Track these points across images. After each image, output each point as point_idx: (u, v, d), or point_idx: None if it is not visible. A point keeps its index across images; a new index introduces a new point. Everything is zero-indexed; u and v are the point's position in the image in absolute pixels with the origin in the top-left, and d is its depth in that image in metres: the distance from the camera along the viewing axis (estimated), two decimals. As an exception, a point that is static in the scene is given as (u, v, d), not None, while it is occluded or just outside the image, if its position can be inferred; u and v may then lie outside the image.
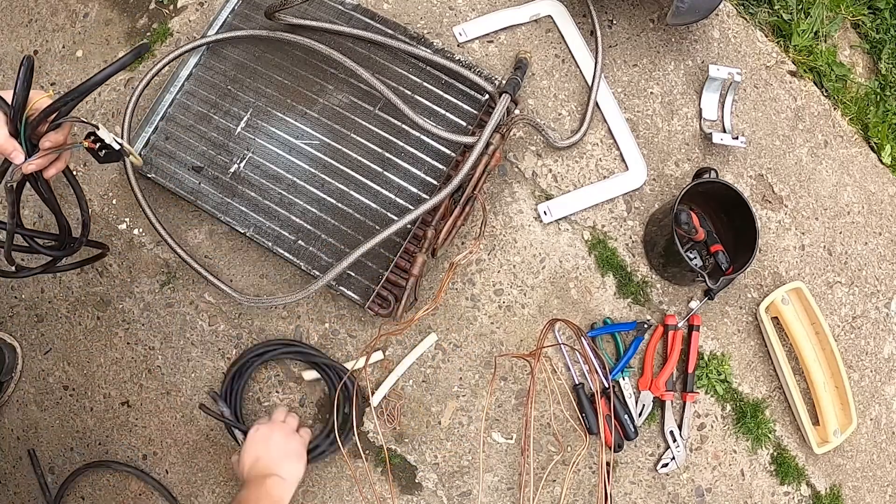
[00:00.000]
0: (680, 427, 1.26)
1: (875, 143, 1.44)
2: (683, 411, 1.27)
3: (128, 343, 1.29)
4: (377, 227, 1.19)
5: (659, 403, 1.27)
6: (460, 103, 1.25)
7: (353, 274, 1.18)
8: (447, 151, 1.23)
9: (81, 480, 1.26)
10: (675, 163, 1.36)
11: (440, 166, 1.22)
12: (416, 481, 1.24)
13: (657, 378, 1.26)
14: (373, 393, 1.22)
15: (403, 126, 1.24)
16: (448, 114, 1.25)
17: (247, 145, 1.24)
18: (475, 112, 1.25)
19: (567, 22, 1.39)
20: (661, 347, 1.29)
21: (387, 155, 1.23)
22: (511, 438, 1.25)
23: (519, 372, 1.27)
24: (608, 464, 1.23)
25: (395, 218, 1.19)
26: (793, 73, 1.43)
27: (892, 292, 1.39)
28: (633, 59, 1.39)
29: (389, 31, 1.29)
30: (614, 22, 1.41)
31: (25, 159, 0.86)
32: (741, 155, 1.37)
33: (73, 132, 0.93)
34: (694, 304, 1.30)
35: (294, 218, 1.21)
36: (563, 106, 1.37)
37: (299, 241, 1.20)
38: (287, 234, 1.20)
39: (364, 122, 1.24)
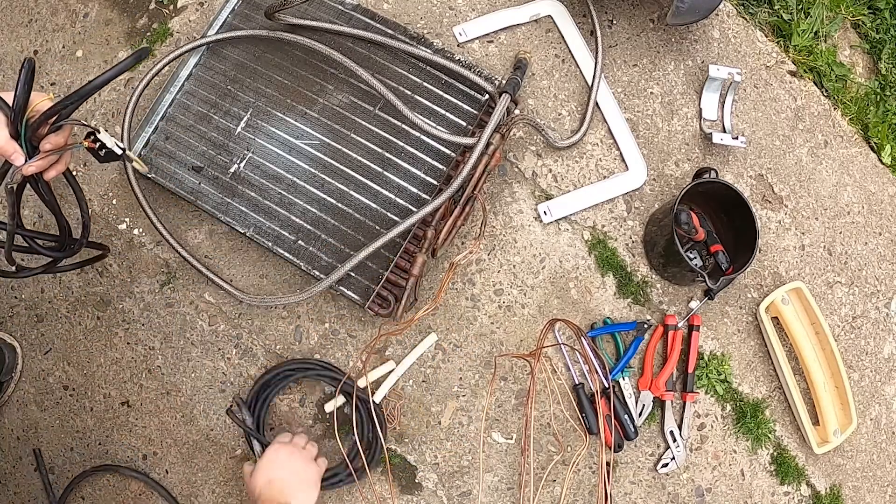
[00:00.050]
0: (680, 427, 1.26)
1: (875, 143, 1.44)
2: (683, 411, 1.27)
3: (128, 343, 1.29)
4: (377, 227, 1.19)
5: (659, 403, 1.27)
6: (460, 103, 1.25)
7: (353, 274, 1.18)
8: (447, 151, 1.23)
9: (82, 480, 1.26)
10: (675, 163, 1.36)
11: (440, 166, 1.22)
12: (416, 481, 1.24)
13: (657, 378, 1.26)
14: (373, 393, 1.22)
15: (403, 126, 1.24)
16: (448, 114, 1.25)
17: (247, 145, 1.24)
18: (475, 112, 1.25)
19: (567, 22, 1.39)
20: (661, 347, 1.29)
21: (387, 155, 1.23)
22: (511, 438, 1.25)
23: (519, 372, 1.27)
24: (608, 464, 1.23)
25: (396, 218, 1.19)
26: (793, 73, 1.43)
27: (892, 292, 1.39)
28: (633, 59, 1.39)
29: (389, 31, 1.29)
30: (614, 22, 1.41)
31: (26, 161, 0.86)
32: (741, 155, 1.37)
33: (74, 132, 0.93)
34: (694, 304, 1.30)
35: (294, 218, 1.21)
36: (563, 106, 1.37)
37: (299, 241, 1.20)
38: (287, 234, 1.20)
39: (364, 122, 1.24)
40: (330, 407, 1.22)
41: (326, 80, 1.26)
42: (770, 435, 1.30)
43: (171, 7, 1.41)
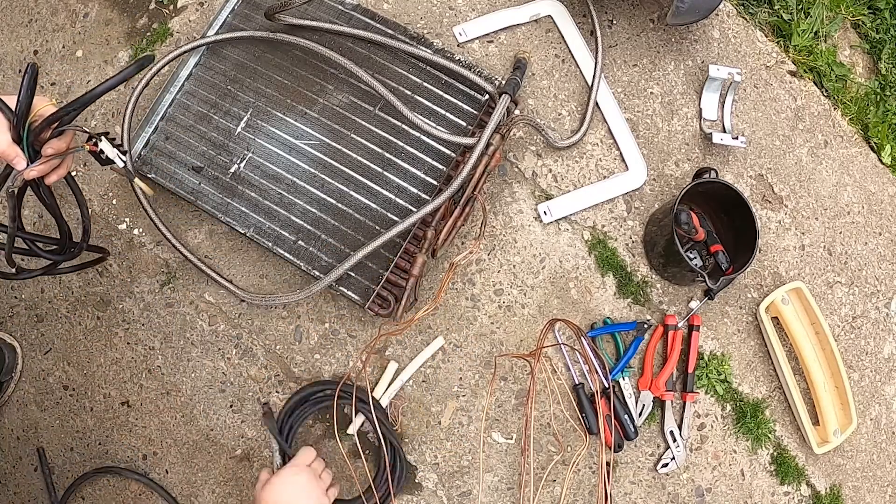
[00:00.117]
0: (680, 427, 1.26)
1: (875, 143, 1.44)
2: (683, 411, 1.27)
3: (128, 343, 1.29)
4: (377, 227, 1.19)
5: (659, 403, 1.27)
6: (460, 103, 1.25)
7: (353, 274, 1.18)
8: (447, 152, 1.23)
9: (83, 482, 1.26)
10: (675, 163, 1.36)
11: (440, 166, 1.22)
12: (416, 481, 1.24)
13: (657, 378, 1.26)
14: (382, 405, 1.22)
15: (403, 126, 1.24)
16: (448, 114, 1.25)
17: (247, 145, 1.24)
18: (475, 112, 1.25)
19: (567, 22, 1.39)
20: (661, 347, 1.29)
21: (387, 155, 1.23)
22: (511, 438, 1.25)
23: (519, 372, 1.27)
24: (608, 464, 1.23)
25: (396, 218, 1.19)
26: (793, 73, 1.43)
27: (892, 292, 1.39)
28: (633, 59, 1.39)
29: (389, 32, 1.29)
30: (614, 22, 1.41)
31: (27, 165, 0.86)
32: (741, 155, 1.37)
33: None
34: (694, 304, 1.30)
35: (294, 218, 1.21)
36: (563, 106, 1.37)
37: (299, 242, 1.20)
38: (287, 235, 1.20)
39: (364, 123, 1.24)
40: (352, 429, 1.21)
41: (326, 80, 1.26)
42: (770, 435, 1.30)
43: (171, 7, 1.41)
